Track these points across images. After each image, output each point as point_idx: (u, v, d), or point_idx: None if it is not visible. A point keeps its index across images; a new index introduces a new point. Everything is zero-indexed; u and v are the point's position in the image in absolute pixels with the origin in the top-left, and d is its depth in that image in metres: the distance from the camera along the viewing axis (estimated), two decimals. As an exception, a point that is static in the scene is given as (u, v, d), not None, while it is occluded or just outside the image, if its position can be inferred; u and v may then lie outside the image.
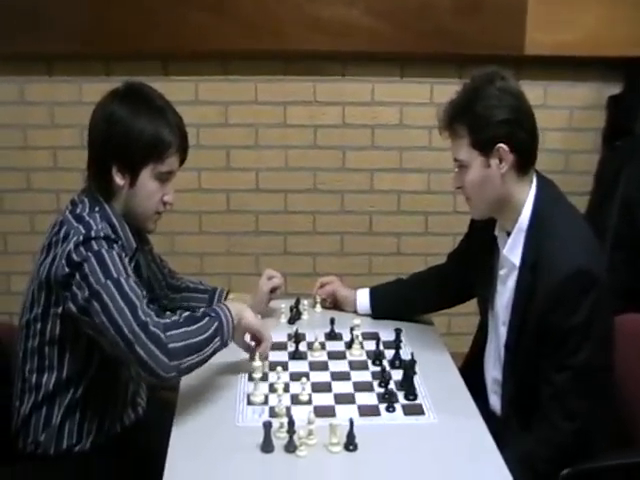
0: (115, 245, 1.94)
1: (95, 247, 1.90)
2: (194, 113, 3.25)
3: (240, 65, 3.33)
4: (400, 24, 3.20)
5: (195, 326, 1.91)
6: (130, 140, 1.97)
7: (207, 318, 1.95)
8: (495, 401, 2.21)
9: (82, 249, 1.90)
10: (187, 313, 1.96)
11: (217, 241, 3.49)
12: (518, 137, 1.99)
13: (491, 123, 1.97)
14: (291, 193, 3.46)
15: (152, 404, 2.29)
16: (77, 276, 1.88)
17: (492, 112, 1.97)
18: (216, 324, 1.95)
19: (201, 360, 1.92)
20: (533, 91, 3.27)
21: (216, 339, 1.94)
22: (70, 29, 3.19)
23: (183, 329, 1.89)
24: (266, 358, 2.13)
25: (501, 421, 2.13)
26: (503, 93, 1.99)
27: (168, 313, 1.98)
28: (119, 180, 2.01)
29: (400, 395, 2.03)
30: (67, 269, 1.90)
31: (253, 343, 2.13)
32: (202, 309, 2.01)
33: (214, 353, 1.96)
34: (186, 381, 2.06)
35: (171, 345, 1.84)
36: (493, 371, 2.22)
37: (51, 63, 3.32)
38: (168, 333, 1.85)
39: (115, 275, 1.88)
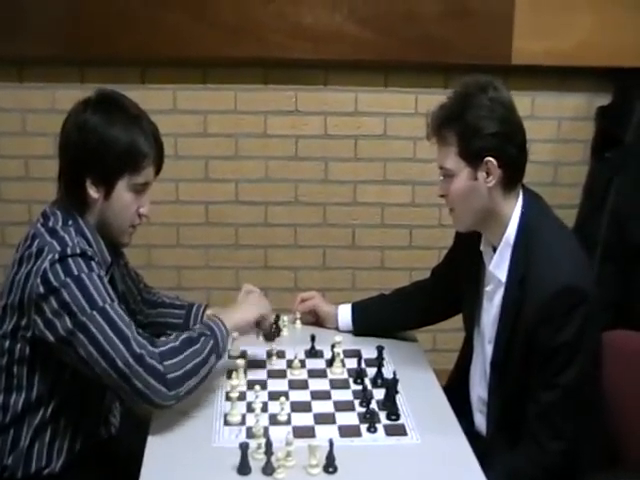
0: (93, 263, 1.88)
1: (74, 270, 1.84)
2: (172, 122, 3.21)
3: (220, 73, 3.28)
4: (384, 31, 3.17)
5: (191, 349, 1.89)
6: (104, 150, 1.91)
7: (203, 338, 1.93)
8: (480, 420, 2.18)
9: (59, 269, 1.83)
10: (184, 335, 1.91)
11: (195, 254, 3.44)
12: (507, 152, 1.95)
13: (481, 134, 1.93)
14: (272, 205, 3.41)
15: (125, 422, 2.24)
16: (53, 302, 1.82)
17: (483, 123, 1.93)
18: (211, 343, 1.93)
19: (199, 382, 1.91)
20: (521, 101, 3.19)
21: (211, 357, 1.93)
22: (43, 32, 3.13)
23: (181, 356, 1.86)
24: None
25: (486, 441, 2.10)
26: (495, 104, 1.95)
27: (163, 339, 1.92)
28: (93, 193, 1.94)
29: (382, 415, 1.99)
30: (42, 289, 1.83)
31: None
32: (198, 327, 1.98)
33: (210, 371, 1.95)
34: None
35: (170, 375, 1.82)
36: (479, 389, 2.18)
37: (22, 68, 3.26)
38: (166, 363, 1.82)
39: (100, 303, 1.82)
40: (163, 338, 1.92)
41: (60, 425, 1.98)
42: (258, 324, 2.15)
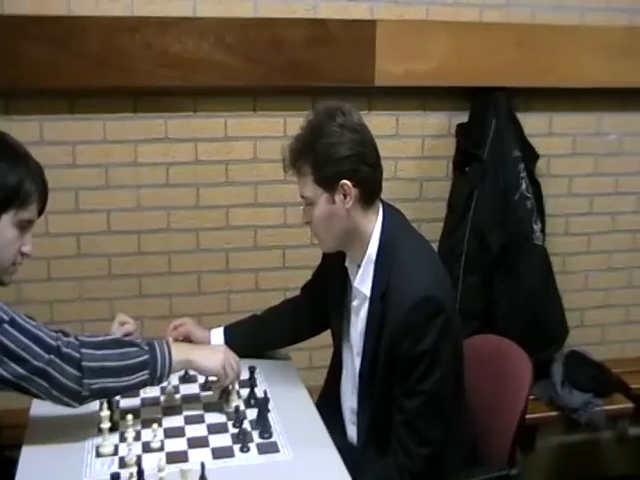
0: None
1: None
2: (39, 154, 3.05)
3: (87, 103, 3.22)
4: (251, 57, 3.19)
5: (118, 351, 1.92)
6: None
7: (135, 348, 1.96)
8: (353, 431, 2.22)
9: None
10: (115, 336, 2.01)
11: (67, 287, 3.33)
12: (361, 171, 2.01)
13: (333, 160, 1.99)
14: (144, 233, 3.35)
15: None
16: None
17: (333, 149, 1.99)
18: (145, 357, 1.95)
19: (120, 387, 1.93)
20: (386, 122, 3.34)
21: (143, 372, 1.94)
22: None
23: (103, 351, 1.90)
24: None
25: (358, 450, 2.13)
26: (344, 129, 2.01)
27: (96, 339, 1.95)
28: None
29: (255, 434, 2.01)
30: None
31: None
32: (139, 341, 2.00)
33: (140, 385, 1.98)
34: (30, 434, 1.99)
35: (85, 363, 1.86)
36: (350, 401, 2.23)
37: None
38: (84, 350, 1.87)
39: (6, 317, 1.82)
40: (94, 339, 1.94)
41: None
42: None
